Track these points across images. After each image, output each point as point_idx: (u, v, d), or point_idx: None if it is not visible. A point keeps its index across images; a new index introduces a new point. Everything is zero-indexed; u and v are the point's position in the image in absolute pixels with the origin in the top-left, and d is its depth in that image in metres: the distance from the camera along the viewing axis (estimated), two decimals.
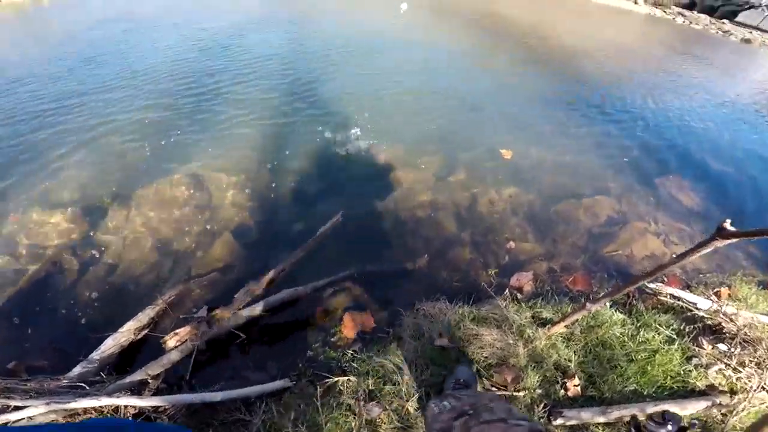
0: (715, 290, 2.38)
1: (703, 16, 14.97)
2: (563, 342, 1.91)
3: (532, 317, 2.11)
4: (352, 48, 6.78)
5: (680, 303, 2.25)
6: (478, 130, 4.54)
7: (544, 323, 2.04)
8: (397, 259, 2.79)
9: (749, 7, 14.31)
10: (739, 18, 14.41)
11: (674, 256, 1.25)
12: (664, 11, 15.51)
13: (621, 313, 2.11)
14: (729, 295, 2.41)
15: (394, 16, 8.79)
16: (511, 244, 3.08)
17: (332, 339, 2.26)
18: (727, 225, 1.03)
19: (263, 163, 3.65)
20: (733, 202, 3.90)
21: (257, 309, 2.17)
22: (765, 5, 14.01)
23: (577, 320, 1.93)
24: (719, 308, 2.18)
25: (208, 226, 2.95)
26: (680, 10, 15.84)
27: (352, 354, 1.97)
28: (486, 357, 1.84)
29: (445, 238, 3.02)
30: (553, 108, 5.35)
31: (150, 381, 1.72)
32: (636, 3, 16.79)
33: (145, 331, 2.07)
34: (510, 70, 6.71)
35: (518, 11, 11.05)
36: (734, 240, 1.02)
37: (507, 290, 2.49)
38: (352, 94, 5.10)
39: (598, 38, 9.78)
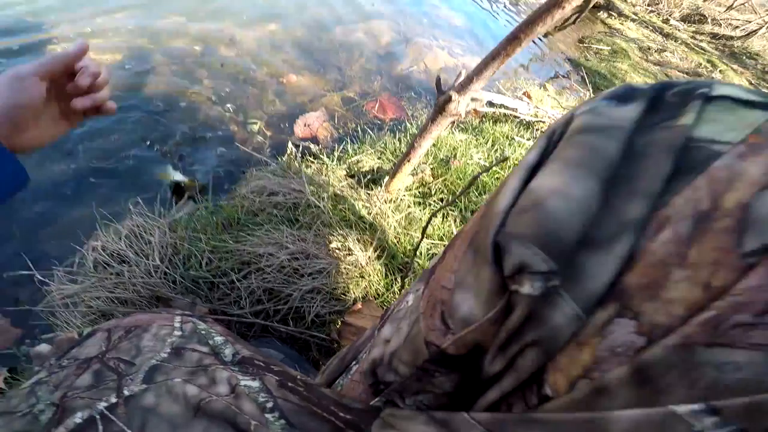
0: (523, 92, 1.99)
1: None
2: (415, 200, 1.02)
3: (350, 175, 1.10)
4: None
5: (500, 111, 1.74)
6: None
7: (372, 180, 1.07)
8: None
9: None
10: None
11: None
12: None
13: (461, 132, 1.37)
14: (529, 96, 2.08)
15: None
16: (291, 77, 1.88)
17: None
18: None
19: None
20: (477, 23, 3.86)
21: None
22: None
23: (422, 159, 1.04)
24: (537, 109, 1.79)
25: None
26: None
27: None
28: (296, 301, 0.75)
29: (154, 108, 1.49)
30: None
31: None
32: None
33: None
34: None
35: None
36: None
37: (290, 144, 1.37)
38: None
39: None
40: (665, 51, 4.52)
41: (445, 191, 1.07)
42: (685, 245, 0.19)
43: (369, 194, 1.00)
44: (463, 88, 0.87)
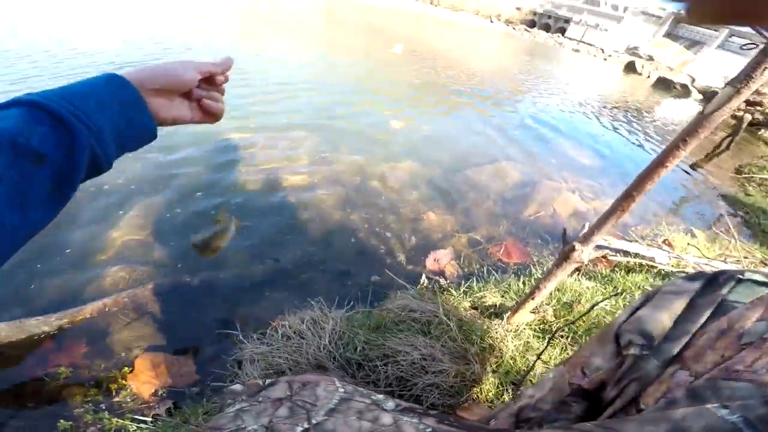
0: (663, 239, 1.93)
1: (542, 32, 17.68)
2: (534, 334, 1.11)
3: (473, 307, 1.28)
4: None
5: (633, 260, 1.71)
6: (366, 107, 3.84)
7: (494, 313, 1.22)
8: (244, 262, 1.70)
9: (568, 21, 17.97)
10: (568, 33, 17.46)
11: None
12: (514, 28, 17.89)
13: (588, 280, 1.43)
14: (670, 244, 1.98)
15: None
16: (429, 215, 2.31)
17: (116, 400, 1.15)
18: None
19: None
20: (613, 161, 3.92)
21: None
22: (583, 22, 17.26)
23: (545, 299, 1.16)
24: (679, 259, 1.70)
25: None
26: (525, 27, 18.44)
27: (153, 420, 1.02)
28: (419, 390, 0.91)
29: (327, 226, 2.06)
30: (440, 93, 5.16)
31: None
32: (492, 22, 19.15)
33: None
34: (399, 61, 6.60)
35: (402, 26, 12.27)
36: None
37: (424, 277, 1.64)
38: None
39: (472, 46, 11.13)
40: None
41: (566, 330, 1.13)
42: (714, 341, 0.45)
43: (490, 322, 1.14)
44: (585, 239, 1.03)
